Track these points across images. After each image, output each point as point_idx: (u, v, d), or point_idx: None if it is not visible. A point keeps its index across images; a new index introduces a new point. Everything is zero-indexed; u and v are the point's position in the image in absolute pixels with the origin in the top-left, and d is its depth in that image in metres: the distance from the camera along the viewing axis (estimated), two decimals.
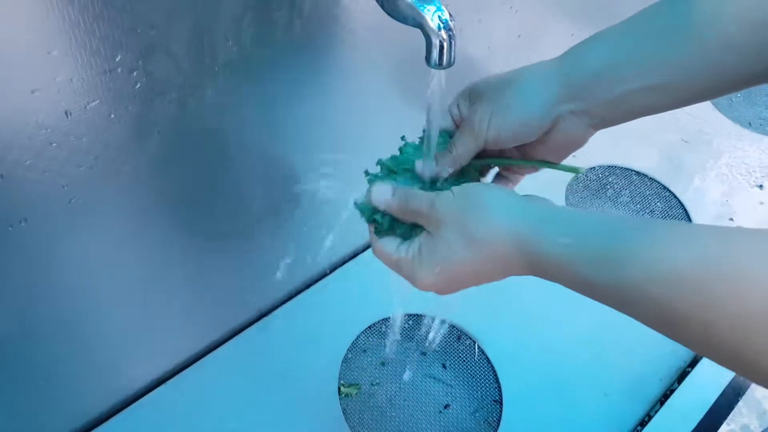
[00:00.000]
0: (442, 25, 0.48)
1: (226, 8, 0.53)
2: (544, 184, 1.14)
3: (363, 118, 0.78)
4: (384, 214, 0.53)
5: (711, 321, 0.34)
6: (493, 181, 0.58)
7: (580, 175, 1.18)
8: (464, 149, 0.53)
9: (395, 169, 0.55)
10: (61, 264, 0.58)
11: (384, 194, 0.52)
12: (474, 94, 0.54)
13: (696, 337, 0.36)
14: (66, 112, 0.48)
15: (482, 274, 0.47)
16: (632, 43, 0.48)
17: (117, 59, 0.49)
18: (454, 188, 0.48)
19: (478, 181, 0.57)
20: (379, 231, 0.54)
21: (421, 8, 0.48)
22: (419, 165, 0.55)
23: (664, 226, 0.39)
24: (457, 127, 0.56)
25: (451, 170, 0.54)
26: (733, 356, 0.35)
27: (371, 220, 0.54)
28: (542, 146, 0.53)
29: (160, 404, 0.80)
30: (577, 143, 0.53)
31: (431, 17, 0.48)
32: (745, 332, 0.33)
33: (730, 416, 0.84)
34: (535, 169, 0.57)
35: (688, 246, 0.36)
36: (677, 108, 0.49)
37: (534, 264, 0.44)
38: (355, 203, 0.56)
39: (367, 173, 0.56)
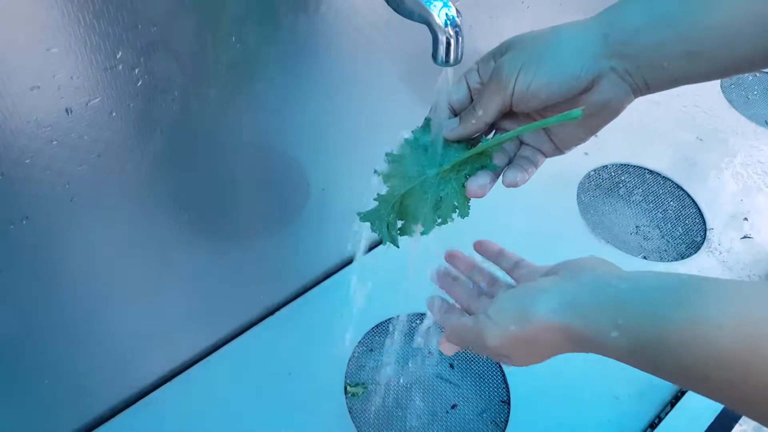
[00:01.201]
0: (448, 22, 0.47)
1: (230, 5, 0.52)
2: (556, 183, 1.14)
3: (369, 116, 0.78)
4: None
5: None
6: (509, 170, 0.53)
7: (592, 173, 1.16)
8: (489, 105, 0.49)
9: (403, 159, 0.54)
10: (63, 262, 0.58)
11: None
12: (500, 50, 0.50)
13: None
14: (67, 110, 0.48)
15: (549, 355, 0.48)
16: (675, 5, 0.45)
17: (118, 56, 0.48)
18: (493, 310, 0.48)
19: (489, 164, 0.53)
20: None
21: (428, 4, 0.47)
22: (435, 127, 0.52)
23: (712, 297, 0.38)
24: (472, 98, 0.52)
25: (472, 131, 0.51)
26: None
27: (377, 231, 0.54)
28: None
29: (166, 402, 0.80)
30: (615, 110, 0.49)
31: (438, 13, 0.47)
32: None
33: (742, 418, 0.83)
34: (560, 151, 0.53)
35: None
36: (723, 77, 0.47)
37: (597, 352, 0.43)
38: (359, 214, 0.55)
39: (376, 172, 0.55)
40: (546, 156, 0.54)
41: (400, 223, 0.55)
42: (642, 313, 0.39)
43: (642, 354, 0.40)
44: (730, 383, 0.35)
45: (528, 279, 0.54)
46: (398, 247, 0.55)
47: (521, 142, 0.54)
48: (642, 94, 0.48)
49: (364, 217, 0.55)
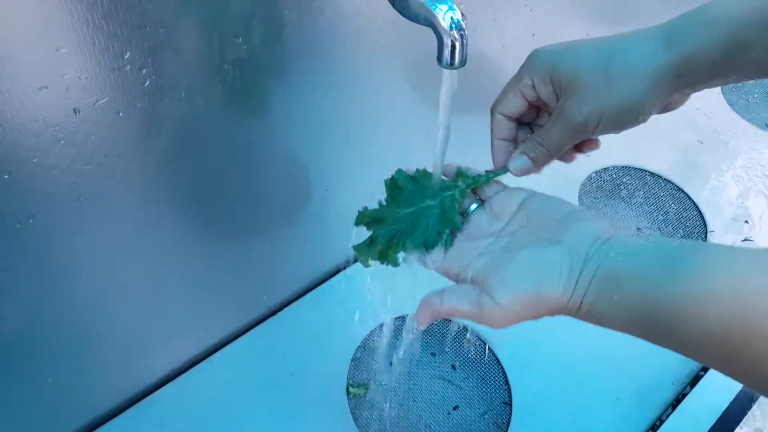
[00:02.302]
0: (453, 25, 0.47)
1: (236, 6, 0.53)
2: (557, 186, 1.14)
3: (373, 117, 0.78)
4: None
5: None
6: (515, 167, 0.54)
7: (593, 175, 1.16)
8: (564, 145, 0.51)
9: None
10: (68, 261, 0.58)
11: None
12: (558, 76, 0.49)
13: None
14: (74, 110, 0.48)
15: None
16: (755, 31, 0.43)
17: (126, 56, 0.48)
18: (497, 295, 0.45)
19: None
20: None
21: (433, 7, 0.47)
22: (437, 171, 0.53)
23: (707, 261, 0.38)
24: (531, 107, 0.53)
25: (542, 166, 0.52)
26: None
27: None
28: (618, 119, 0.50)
29: (168, 402, 0.80)
30: (656, 112, 0.50)
31: (443, 16, 0.47)
32: None
33: (744, 420, 0.83)
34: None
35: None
36: None
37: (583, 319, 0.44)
38: (354, 247, 0.55)
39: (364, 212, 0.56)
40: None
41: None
42: (638, 288, 0.39)
43: (637, 327, 0.40)
44: (725, 357, 0.36)
45: (504, 209, 0.51)
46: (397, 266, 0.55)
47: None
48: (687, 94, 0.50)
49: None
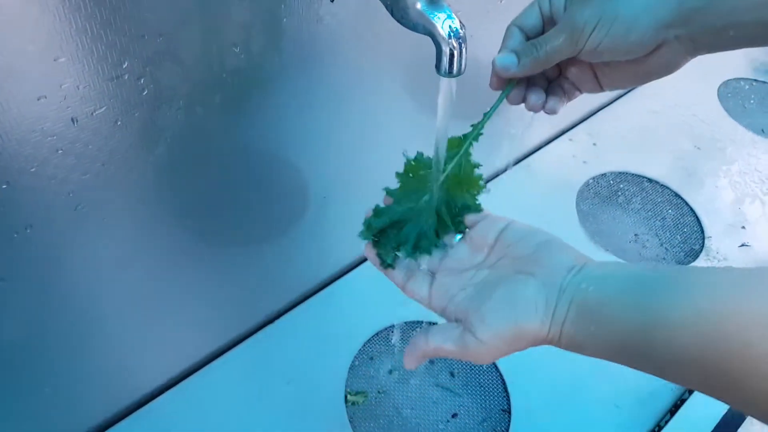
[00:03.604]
0: (452, 33, 0.47)
1: (234, 15, 0.53)
2: (555, 192, 1.14)
3: (372, 125, 0.78)
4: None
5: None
6: (550, 98, 0.54)
7: (591, 181, 1.17)
8: (554, 55, 0.50)
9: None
10: (66, 271, 0.58)
11: None
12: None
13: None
14: (72, 119, 0.48)
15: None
16: None
17: (124, 66, 0.48)
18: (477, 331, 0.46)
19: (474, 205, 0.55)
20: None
21: (432, 16, 0.47)
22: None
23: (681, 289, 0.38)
24: (544, 26, 0.53)
25: (528, 73, 0.52)
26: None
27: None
28: (634, 67, 0.50)
29: (166, 410, 0.80)
30: (671, 70, 0.50)
31: (441, 25, 0.47)
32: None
33: (742, 426, 0.83)
34: (600, 88, 0.55)
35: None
36: None
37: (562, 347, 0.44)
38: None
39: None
40: (581, 92, 0.56)
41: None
42: (609, 319, 0.40)
43: (618, 356, 0.40)
44: (694, 382, 0.37)
45: (483, 241, 0.52)
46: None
47: (560, 73, 0.55)
48: (699, 54, 0.49)
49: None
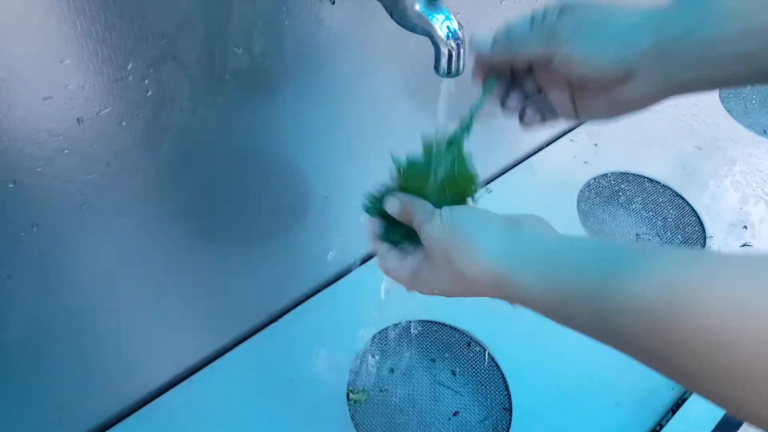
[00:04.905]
0: (450, 34, 0.48)
1: (237, 17, 0.54)
2: (556, 192, 1.15)
3: (372, 125, 0.79)
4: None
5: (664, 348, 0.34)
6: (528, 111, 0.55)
7: (592, 181, 1.17)
8: (531, 41, 0.49)
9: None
10: (72, 270, 0.59)
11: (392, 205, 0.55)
12: (566, 10, 0.49)
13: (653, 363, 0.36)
14: (78, 120, 0.49)
15: (475, 295, 0.49)
16: (726, 7, 0.44)
17: (129, 67, 0.49)
18: (443, 214, 0.49)
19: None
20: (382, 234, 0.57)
21: (430, 17, 0.48)
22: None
23: (638, 256, 0.38)
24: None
25: (500, 59, 0.52)
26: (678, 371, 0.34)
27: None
28: (608, 96, 0.50)
29: (169, 409, 0.80)
30: (644, 104, 0.50)
31: (440, 26, 0.48)
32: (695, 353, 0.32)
33: (743, 426, 0.83)
34: (575, 117, 0.55)
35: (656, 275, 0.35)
36: (764, 84, 0.46)
37: (520, 302, 0.45)
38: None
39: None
40: (558, 116, 0.55)
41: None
42: (565, 266, 0.41)
43: (559, 304, 0.41)
44: (643, 334, 0.35)
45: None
46: None
47: (540, 91, 0.55)
48: (675, 94, 0.48)
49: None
